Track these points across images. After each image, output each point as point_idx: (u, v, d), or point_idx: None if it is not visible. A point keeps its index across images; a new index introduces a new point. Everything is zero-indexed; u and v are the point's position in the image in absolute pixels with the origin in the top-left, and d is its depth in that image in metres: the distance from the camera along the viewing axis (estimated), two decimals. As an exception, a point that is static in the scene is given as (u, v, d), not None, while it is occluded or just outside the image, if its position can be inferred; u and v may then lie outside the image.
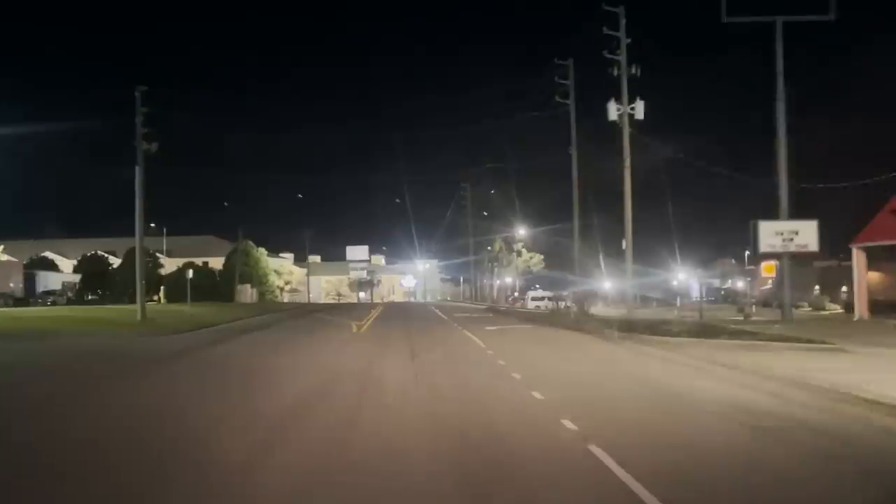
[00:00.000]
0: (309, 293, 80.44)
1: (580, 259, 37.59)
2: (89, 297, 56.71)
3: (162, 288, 63.99)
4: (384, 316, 33.80)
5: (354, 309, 48.38)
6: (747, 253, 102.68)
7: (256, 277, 73.64)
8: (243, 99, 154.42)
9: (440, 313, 36.87)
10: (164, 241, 66.48)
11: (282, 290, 79.87)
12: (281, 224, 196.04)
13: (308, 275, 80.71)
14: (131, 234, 31.25)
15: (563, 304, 47.87)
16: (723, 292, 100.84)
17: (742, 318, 35.32)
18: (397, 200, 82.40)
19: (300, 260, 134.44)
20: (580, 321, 24.88)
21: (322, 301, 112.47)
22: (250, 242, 75.45)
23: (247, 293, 59.31)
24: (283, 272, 79.98)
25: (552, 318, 28.27)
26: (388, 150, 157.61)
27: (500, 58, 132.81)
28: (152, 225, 68.85)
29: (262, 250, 75.73)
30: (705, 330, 18.84)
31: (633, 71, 25.00)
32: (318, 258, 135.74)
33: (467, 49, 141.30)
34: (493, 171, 71.41)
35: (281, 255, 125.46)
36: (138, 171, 28.64)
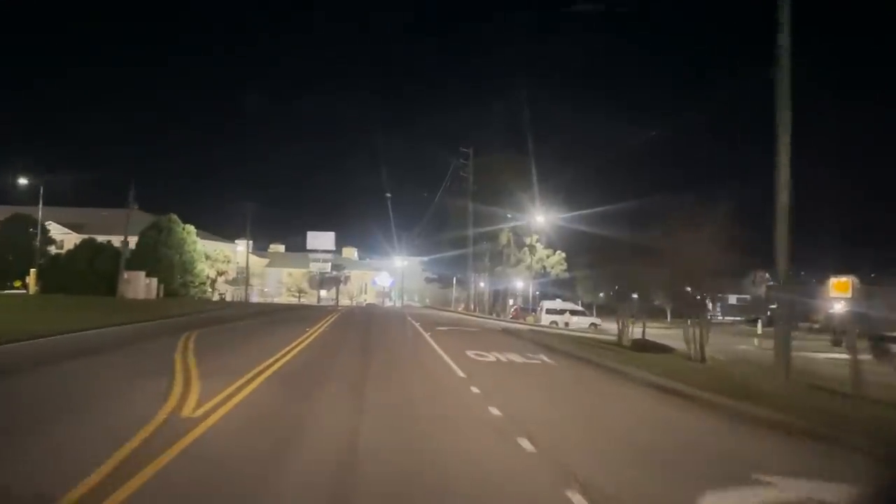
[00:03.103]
0: (248, 288, 61.51)
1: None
2: None
3: (33, 272, 45.02)
4: (319, 348, 15.90)
5: (295, 318, 30.25)
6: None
7: (179, 264, 54.96)
8: (217, 76, 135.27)
9: (437, 347, 18.35)
10: (41, 209, 47.46)
11: (213, 281, 60.93)
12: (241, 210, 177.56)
13: (248, 265, 61.65)
14: None
15: (628, 324, 29.42)
16: (769, 313, 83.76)
17: None
18: (387, 195, 63.69)
19: (261, 249, 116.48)
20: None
21: (277, 300, 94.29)
22: (174, 217, 56.67)
23: (140, 285, 40.49)
24: (218, 259, 60.94)
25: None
26: (379, 120, 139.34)
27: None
28: (22, 181, 49.76)
29: (191, 228, 56.93)
30: None
31: None
32: (282, 248, 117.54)
33: None
34: (505, 138, 54.29)
35: (236, 241, 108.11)
36: None
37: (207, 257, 59.50)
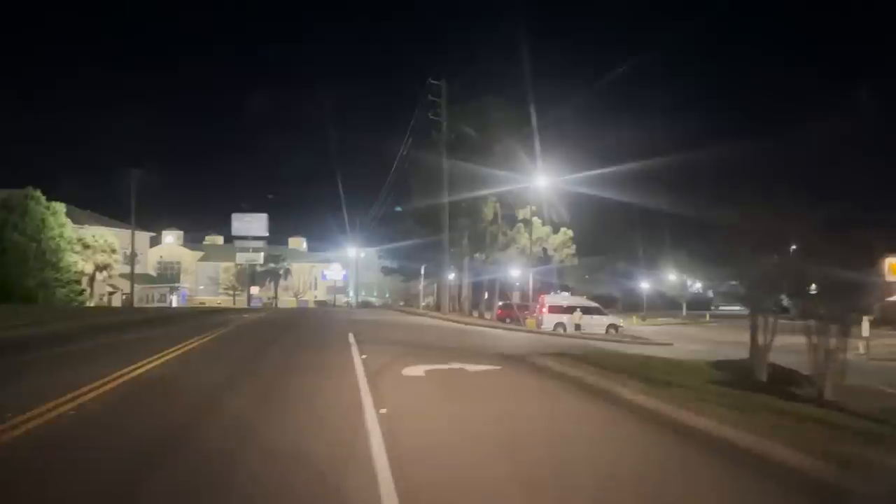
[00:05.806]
0: (133, 290, 45.73)
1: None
2: None
3: None
4: None
5: (78, 356, 15.55)
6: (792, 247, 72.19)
7: (37, 255, 39.37)
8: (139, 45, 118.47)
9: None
10: None
11: (92, 278, 44.99)
12: (188, 199, 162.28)
13: (132, 256, 45.60)
14: None
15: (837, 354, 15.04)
16: (789, 302, 71.16)
17: None
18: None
19: (192, 240, 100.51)
20: None
21: (208, 301, 78.95)
22: (34, 192, 40.88)
23: None
24: (98, 247, 44.86)
25: None
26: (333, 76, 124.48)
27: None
28: None
29: (58, 207, 41.17)
30: None
31: None
32: (220, 239, 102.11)
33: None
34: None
35: (166, 231, 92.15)
36: None
37: (86, 246, 43.74)
